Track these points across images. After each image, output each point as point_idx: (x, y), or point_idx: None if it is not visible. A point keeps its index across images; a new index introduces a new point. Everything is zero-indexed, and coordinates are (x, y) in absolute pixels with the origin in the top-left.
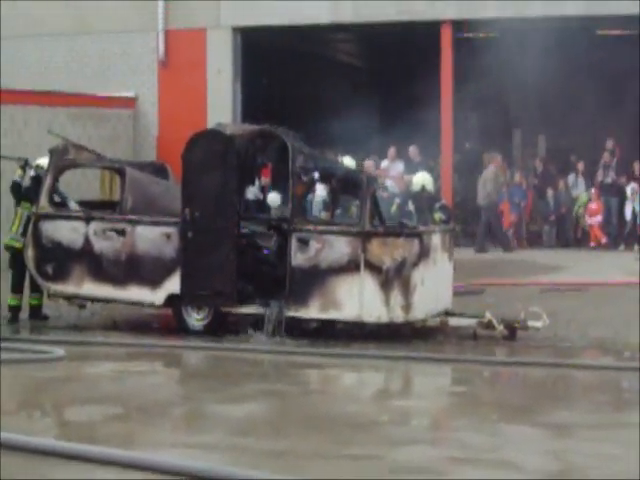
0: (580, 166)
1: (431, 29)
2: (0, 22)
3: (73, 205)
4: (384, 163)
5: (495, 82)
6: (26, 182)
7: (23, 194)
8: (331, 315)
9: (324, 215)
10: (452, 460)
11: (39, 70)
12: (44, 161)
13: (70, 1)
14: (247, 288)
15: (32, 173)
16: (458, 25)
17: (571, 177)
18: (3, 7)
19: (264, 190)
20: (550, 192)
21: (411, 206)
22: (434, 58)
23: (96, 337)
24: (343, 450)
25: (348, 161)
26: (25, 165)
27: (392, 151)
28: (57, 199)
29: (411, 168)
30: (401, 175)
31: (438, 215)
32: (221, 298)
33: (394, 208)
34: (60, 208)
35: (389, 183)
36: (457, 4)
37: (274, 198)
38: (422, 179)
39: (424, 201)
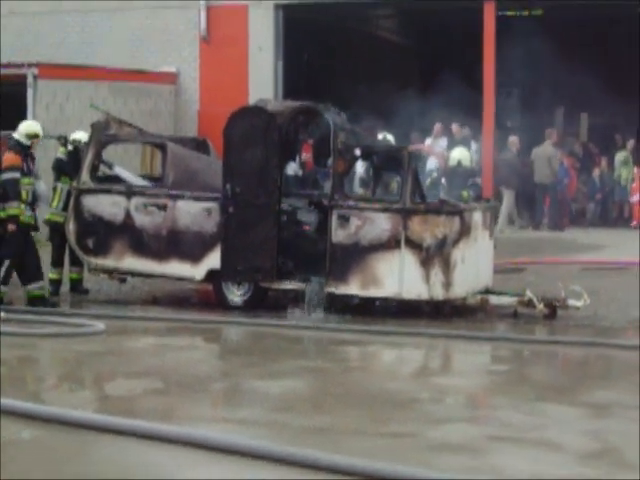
0: (630, 145)
1: (474, 5)
2: None
3: (121, 171)
4: (428, 140)
5: (537, 60)
6: (65, 155)
7: (63, 169)
8: (371, 292)
9: (362, 192)
10: (491, 438)
11: (81, 45)
12: (80, 135)
13: None
14: (287, 264)
15: (69, 148)
16: (501, 2)
17: (620, 155)
18: None
19: (305, 166)
20: (596, 171)
21: (444, 181)
22: (477, 35)
23: (136, 311)
24: (382, 427)
25: (387, 137)
26: (65, 142)
27: (438, 127)
28: (105, 170)
29: (454, 145)
30: (443, 151)
31: (467, 193)
32: (261, 274)
33: (428, 183)
34: (102, 182)
35: (430, 159)
36: None
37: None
38: (459, 154)
39: (459, 177)
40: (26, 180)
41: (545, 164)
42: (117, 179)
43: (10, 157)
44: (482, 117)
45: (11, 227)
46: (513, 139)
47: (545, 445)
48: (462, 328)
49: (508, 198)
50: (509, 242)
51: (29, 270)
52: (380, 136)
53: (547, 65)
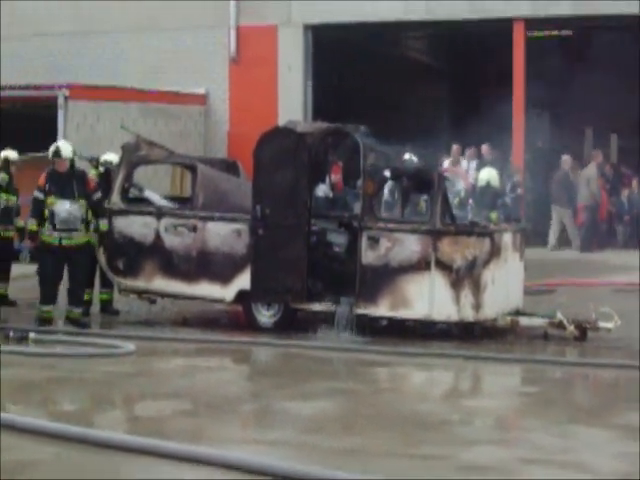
0: None
1: (503, 26)
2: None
3: (151, 194)
4: (463, 162)
5: (567, 80)
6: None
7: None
8: (401, 313)
9: (386, 213)
10: (522, 461)
11: (112, 66)
12: (111, 156)
13: None
14: (317, 285)
15: (100, 169)
16: (530, 23)
17: None
18: (77, 5)
19: (334, 188)
20: (624, 192)
21: (471, 202)
22: (506, 56)
23: (166, 332)
24: (412, 449)
25: (412, 159)
26: (97, 164)
27: (455, 149)
28: (135, 192)
29: (483, 166)
30: (466, 172)
31: (496, 214)
32: (291, 295)
33: (456, 203)
34: (132, 204)
35: (455, 180)
36: (530, 2)
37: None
38: (487, 175)
39: (487, 198)
40: (49, 200)
41: (584, 185)
42: (146, 200)
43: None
44: (512, 137)
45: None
46: (566, 158)
47: (576, 468)
48: (492, 350)
49: (559, 216)
50: (540, 263)
51: (71, 292)
52: (406, 156)
53: (576, 85)
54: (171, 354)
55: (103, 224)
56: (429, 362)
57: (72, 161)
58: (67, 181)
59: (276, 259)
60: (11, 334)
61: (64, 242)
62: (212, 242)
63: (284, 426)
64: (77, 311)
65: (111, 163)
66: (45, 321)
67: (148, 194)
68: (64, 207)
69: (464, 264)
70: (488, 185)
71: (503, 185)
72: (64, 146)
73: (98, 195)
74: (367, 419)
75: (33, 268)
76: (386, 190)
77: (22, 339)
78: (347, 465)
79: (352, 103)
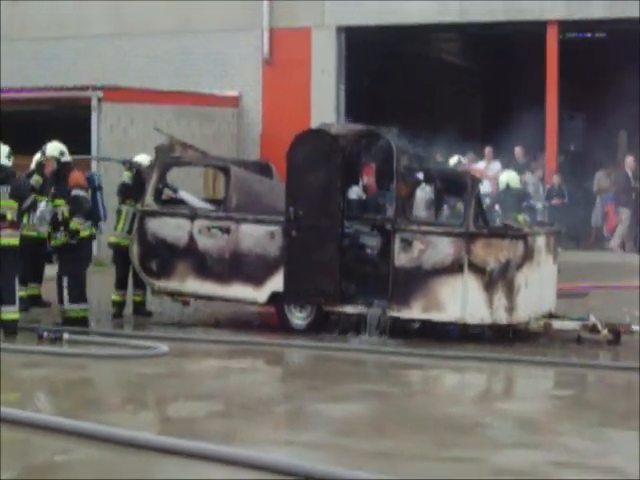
0: None
1: (537, 29)
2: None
3: (185, 195)
4: (481, 163)
5: (601, 82)
6: (130, 179)
7: (127, 193)
8: (434, 316)
9: (422, 215)
10: (555, 464)
11: (145, 68)
12: (142, 158)
13: (176, 1)
14: (350, 287)
15: (133, 171)
16: (565, 25)
17: None
18: (112, 6)
19: (367, 190)
20: None
21: (497, 207)
22: (540, 58)
23: (198, 334)
24: (445, 452)
25: (461, 161)
26: (130, 166)
27: (488, 151)
28: (169, 193)
29: (512, 168)
30: (496, 175)
31: (522, 216)
32: (324, 297)
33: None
34: (166, 205)
35: (485, 182)
36: (564, 4)
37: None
38: (507, 178)
39: (510, 200)
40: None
41: None
42: (180, 202)
43: None
44: (545, 140)
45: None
46: (629, 159)
47: (609, 472)
48: (525, 353)
49: (625, 217)
50: (574, 266)
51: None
52: (454, 159)
53: (610, 88)
54: (204, 355)
55: (73, 222)
56: (462, 365)
57: (58, 161)
58: (50, 181)
59: (309, 261)
60: (45, 334)
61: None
62: (245, 244)
63: (316, 428)
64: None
65: (140, 165)
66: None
67: (182, 195)
68: (40, 206)
69: (497, 267)
70: (508, 187)
71: (525, 187)
72: (50, 145)
73: (77, 192)
74: (399, 422)
75: None
76: (422, 191)
77: (56, 339)
78: (378, 467)
79: (385, 105)
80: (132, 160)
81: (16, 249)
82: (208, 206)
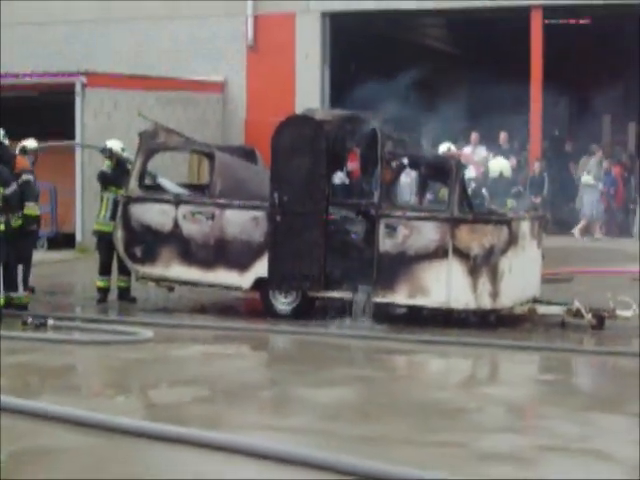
0: None
1: (521, 14)
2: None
3: (165, 182)
4: (467, 148)
5: (584, 68)
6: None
7: (107, 181)
8: (418, 301)
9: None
10: (540, 448)
11: (129, 54)
12: (113, 143)
13: None
14: (335, 273)
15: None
16: (549, 10)
17: None
18: None
19: (351, 175)
20: None
21: (485, 191)
22: (523, 43)
23: (184, 320)
24: (430, 437)
25: (451, 149)
26: (110, 155)
27: (475, 136)
28: (148, 181)
29: (498, 154)
30: (482, 160)
31: (510, 202)
32: (309, 282)
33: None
34: (150, 191)
35: (469, 168)
36: None
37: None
38: (499, 165)
39: (501, 187)
40: None
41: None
42: (159, 188)
43: None
44: (529, 125)
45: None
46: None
47: (594, 455)
48: (509, 338)
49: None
50: (558, 252)
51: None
52: (444, 147)
53: (594, 73)
54: (189, 341)
55: (27, 207)
56: (446, 350)
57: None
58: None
59: (294, 247)
60: (29, 320)
61: None
62: (230, 229)
63: (302, 413)
64: None
65: (111, 150)
66: None
67: (162, 181)
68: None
69: (482, 252)
70: (501, 176)
71: (515, 174)
72: None
73: (26, 177)
74: (385, 406)
75: (51, 255)
76: (407, 177)
77: (40, 325)
78: (364, 452)
79: (368, 91)
80: (111, 148)
81: (0, 235)
82: (187, 193)
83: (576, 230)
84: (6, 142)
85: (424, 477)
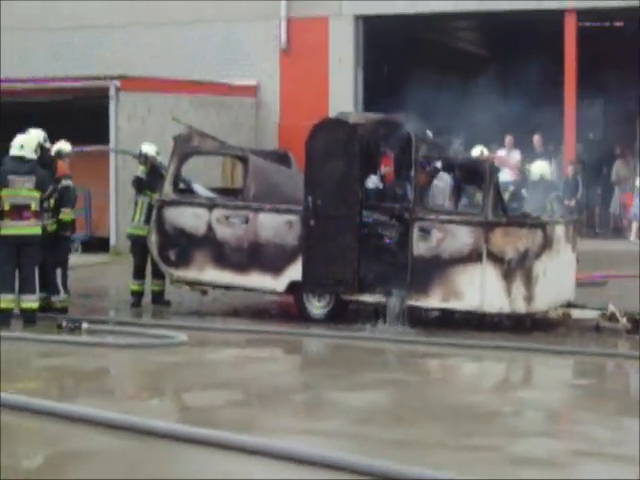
0: None
1: (555, 17)
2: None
3: (198, 188)
4: (501, 151)
5: (619, 71)
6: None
7: (142, 186)
8: (452, 305)
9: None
10: (574, 453)
11: (163, 58)
12: (147, 147)
13: None
14: (368, 276)
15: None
16: (582, 13)
17: None
18: None
19: (384, 179)
20: None
21: (525, 194)
22: (558, 47)
23: (217, 323)
24: (464, 440)
25: (484, 153)
26: (145, 160)
27: (508, 139)
28: (182, 185)
29: (532, 157)
30: (517, 164)
31: (550, 205)
32: (342, 286)
33: (507, 196)
34: (184, 195)
35: (504, 171)
36: None
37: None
38: (540, 168)
39: (541, 190)
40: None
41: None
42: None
43: None
44: (563, 129)
45: None
46: None
47: (628, 460)
48: (543, 342)
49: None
50: (593, 256)
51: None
52: (477, 150)
53: (628, 76)
54: (222, 345)
55: (62, 212)
56: (480, 354)
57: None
58: None
59: (328, 250)
60: (64, 323)
61: None
62: (264, 233)
63: (335, 417)
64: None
65: (146, 155)
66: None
67: (195, 187)
68: None
69: (516, 256)
70: (542, 179)
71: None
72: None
73: (66, 182)
74: (418, 410)
75: (85, 258)
76: (442, 180)
77: (75, 329)
78: (398, 456)
79: (402, 94)
80: (146, 154)
81: (38, 239)
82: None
83: (632, 234)
84: (47, 145)
85: (437, 477)
